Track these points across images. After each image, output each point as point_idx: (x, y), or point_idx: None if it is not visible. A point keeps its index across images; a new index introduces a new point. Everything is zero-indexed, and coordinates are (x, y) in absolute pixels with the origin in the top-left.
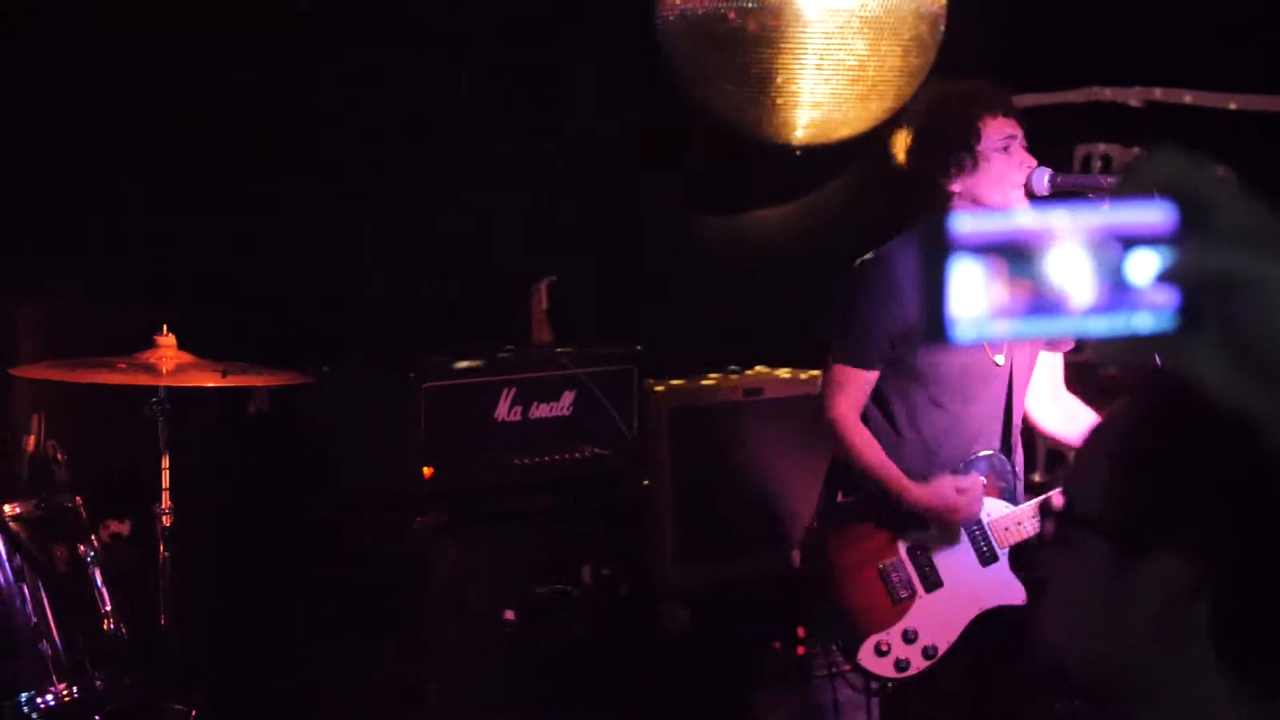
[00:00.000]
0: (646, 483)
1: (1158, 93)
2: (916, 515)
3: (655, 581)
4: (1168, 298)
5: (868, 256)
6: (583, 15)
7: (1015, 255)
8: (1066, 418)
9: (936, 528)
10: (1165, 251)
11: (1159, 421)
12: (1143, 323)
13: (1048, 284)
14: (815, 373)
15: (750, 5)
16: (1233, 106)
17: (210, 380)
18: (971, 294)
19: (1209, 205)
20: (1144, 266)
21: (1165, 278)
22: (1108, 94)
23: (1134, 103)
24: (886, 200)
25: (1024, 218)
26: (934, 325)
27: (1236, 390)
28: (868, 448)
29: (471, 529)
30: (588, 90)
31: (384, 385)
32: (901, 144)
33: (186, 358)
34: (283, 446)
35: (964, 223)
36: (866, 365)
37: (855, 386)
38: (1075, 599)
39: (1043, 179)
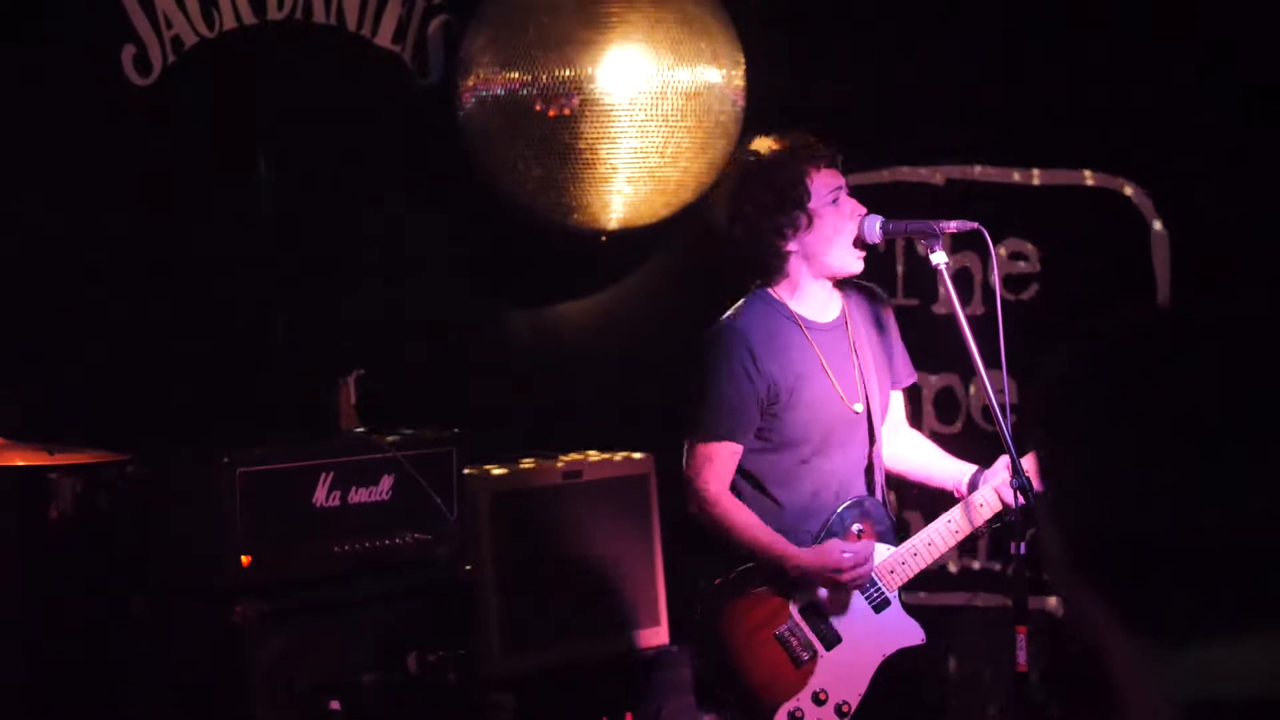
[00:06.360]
0: (469, 568)
1: (956, 170)
2: (806, 581)
3: (481, 669)
4: None
5: (715, 325)
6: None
7: None
8: (913, 453)
9: (828, 591)
10: None
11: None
12: None
13: None
14: (630, 454)
15: (551, 89)
16: (1016, 178)
17: (35, 459)
18: None
19: None
20: None
21: None
22: (906, 173)
23: (936, 180)
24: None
25: None
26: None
27: None
28: (749, 524)
29: (294, 618)
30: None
31: (197, 472)
32: (729, 210)
33: None
34: (95, 540)
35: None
36: (736, 437)
37: (722, 461)
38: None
39: (874, 227)
